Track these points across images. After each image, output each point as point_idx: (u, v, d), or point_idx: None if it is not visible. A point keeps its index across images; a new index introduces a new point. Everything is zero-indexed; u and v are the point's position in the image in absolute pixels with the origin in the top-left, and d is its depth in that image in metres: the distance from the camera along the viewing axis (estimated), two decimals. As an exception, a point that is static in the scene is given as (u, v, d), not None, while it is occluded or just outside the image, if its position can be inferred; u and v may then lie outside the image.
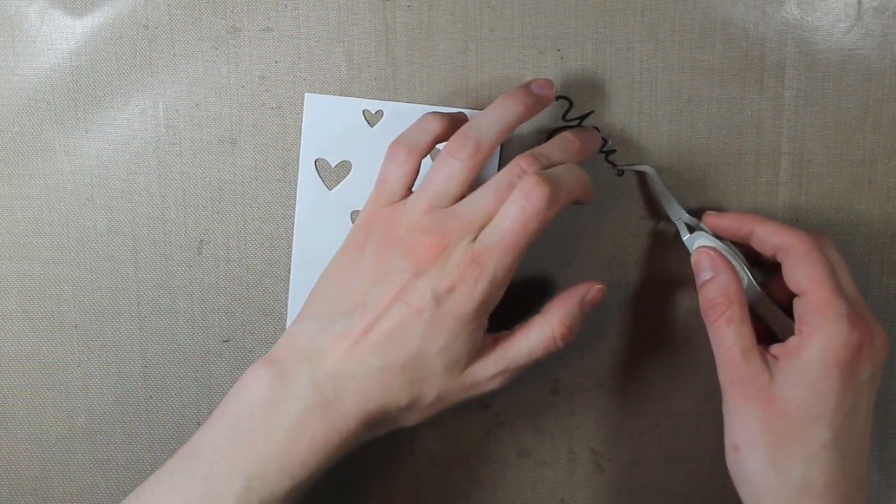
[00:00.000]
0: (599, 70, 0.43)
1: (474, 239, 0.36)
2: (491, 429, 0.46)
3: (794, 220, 0.44)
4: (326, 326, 0.36)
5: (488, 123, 0.38)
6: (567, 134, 0.40)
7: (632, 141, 0.44)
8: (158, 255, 0.45)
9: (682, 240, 0.42)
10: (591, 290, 0.38)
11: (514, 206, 0.36)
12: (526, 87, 0.39)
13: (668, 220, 0.44)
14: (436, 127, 0.39)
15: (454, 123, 0.39)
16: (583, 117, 0.43)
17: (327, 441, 0.35)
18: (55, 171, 0.45)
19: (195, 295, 0.45)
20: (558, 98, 0.43)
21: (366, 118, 0.44)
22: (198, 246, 0.45)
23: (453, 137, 0.38)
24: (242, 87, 0.44)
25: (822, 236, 0.39)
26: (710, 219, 0.41)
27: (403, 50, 0.43)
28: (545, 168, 0.37)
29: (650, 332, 0.45)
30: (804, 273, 0.37)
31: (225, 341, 0.46)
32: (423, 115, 0.40)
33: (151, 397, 0.46)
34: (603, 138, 0.43)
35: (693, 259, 0.41)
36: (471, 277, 0.35)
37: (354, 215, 0.45)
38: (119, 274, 0.45)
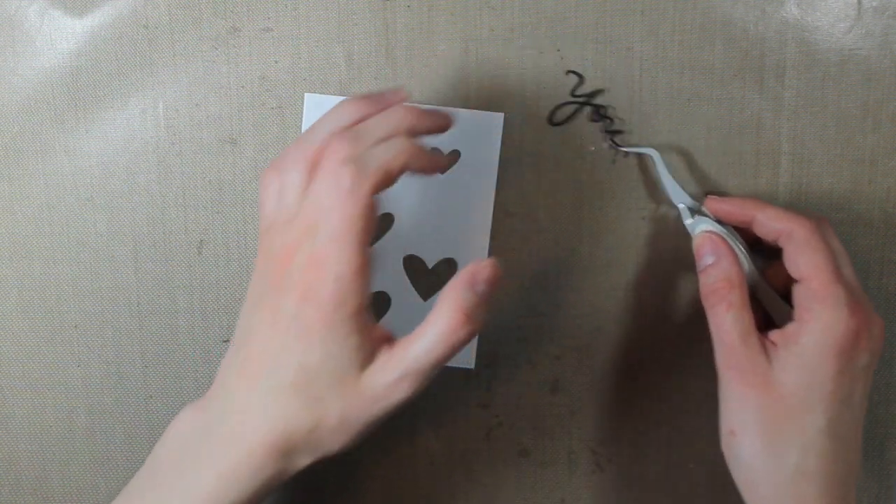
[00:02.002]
0: (599, 70, 0.43)
1: (312, 242, 0.35)
2: (491, 429, 0.46)
3: (794, 220, 0.44)
4: (232, 359, 0.37)
5: (321, 130, 0.37)
6: (397, 108, 0.37)
7: (632, 141, 0.44)
8: (158, 255, 0.45)
9: (683, 224, 0.42)
10: (480, 269, 0.35)
11: (324, 199, 0.34)
12: (373, 93, 0.38)
13: (669, 220, 0.44)
14: (294, 144, 0.38)
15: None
16: (591, 94, 0.43)
17: (236, 476, 0.35)
18: (55, 171, 0.45)
19: (195, 295, 0.45)
20: (568, 73, 0.43)
21: (366, 118, 0.44)
22: (198, 246, 0.45)
23: (292, 153, 0.37)
24: (242, 87, 0.44)
25: (824, 222, 0.39)
26: (712, 203, 0.41)
27: (403, 50, 0.43)
28: (364, 144, 0.35)
29: (650, 331, 0.45)
30: (805, 259, 0.37)
31: (225, 341, 0.46)
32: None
33: (151, 397, 0.46)
34: (608, 117, 0.43)
35: (695, 243, 0.41)
36: (314, 280, 0.34)
37: (354, 215, 0.45)
38: (119, 274, 0.45)
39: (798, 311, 0.37)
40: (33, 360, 0.46)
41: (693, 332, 0.45)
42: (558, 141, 0.44)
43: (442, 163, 0.38)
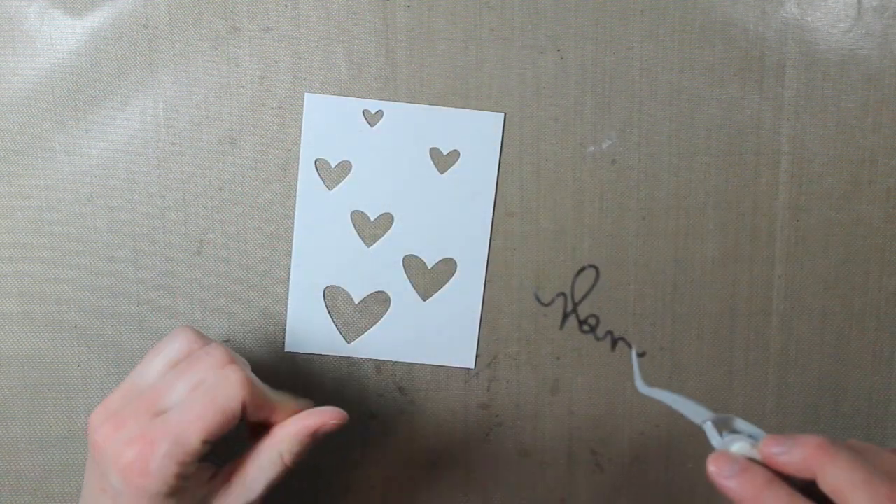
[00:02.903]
0: (599, 70, 0.43)
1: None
2: (491, 429, 0.46)
3: (794, 219, 0.44)
4: None
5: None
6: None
7: (632, 141, 0.44)
8: (158, 255, 0.45)
9: (710, 444, 0.35)
10: (327, 422, 0.37)
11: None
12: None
13: (669, 220, 0.44)
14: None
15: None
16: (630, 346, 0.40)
17: None
18: (55, 171, 0.45)
19: (195, 295, 0.45)
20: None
21: (366, 118, 0.44)
22: (198, 246, 0.45)
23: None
24: (242, 87, 0.44)
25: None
26: (768, 448, 0.33)
27: (403, 50, 0.43)
28: None
29: (649, 332, 0.45)
30: None
31: (225, 341, 0.45)
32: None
33: (151, 397, 0.46)
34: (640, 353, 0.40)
35: (708, 473, 0.33)
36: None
37: (354, 215, 0.45)
38: (119, 274, 0.45)
39: None
40: (33, 360, 0.46)
41: (693, 331, 0.45)
42: (558, 141, 0.44)
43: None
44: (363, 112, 0.44)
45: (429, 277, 0.45)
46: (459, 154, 0.44)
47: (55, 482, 0.47)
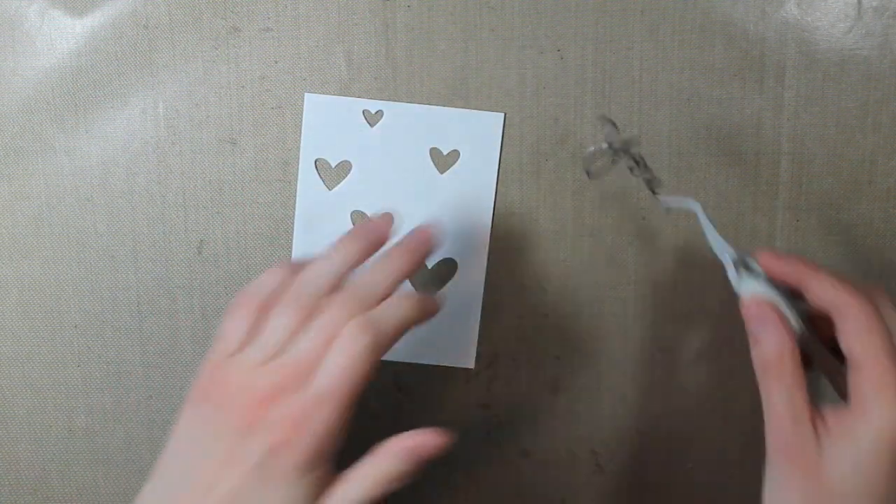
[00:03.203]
0: (599, 70, 0.43)
1: (303, 391, 0.35)
2: (491, 429, 0.46)
3: (794, 220, 0.44)
4: (170, 497, 0.35)
5: (320, 276, 0.37)
6: (394, 254, 0.38)
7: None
8: (158, 255, 0.45)
9: (728, 278, 0.38)
10: (426, 443, 0.36)
11: (337, 356, 0.35)
12: (363, 228, 0.38)
13: (668, 220, 0.44)
14: (275, 281, 0.38)
15: (294, 270, 0.38)
16: (627, 143, 0.40)
17: None
18: (55, 171, 0.45)
19: (195, 295, 0.45)
20: (601, 119, 0.41)
21: (366, 118, 0.44)
22: (198, 246, 0.45)
23: (285, 294, 0.37)
24: (242, 87, 0.44)
25: (879, 293, 0.37)
26: (766, 259, 0.38)
27: (403, 50, 0.43)
28: (371, 301, 0.36)
29: (650, 331, 0.45)
30: (860, 341, 0.35)
31: (225, 341, 0.46)
32: (268, 271, 0.38)
33: (151, 397, 0.46)
34: (649, 167, 0.40)
35: (743, 309, 0.38)
36: (300, 431, 0.34)
37: (354, 215, 0.45)
38: (119, 274, 0.45)
39: (854, 394, 0.35)
40: (33, 360, 0.46)
41: (693, 330, 0.45)
42: (558, 141, 0.44)
43: (436, 309, 0.38)
44: (363, 112, 0.44)
45: (429, 277, 0.45)
46: (459, 154, 0.44)
47: (55, 482, 0.47)
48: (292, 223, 0.45)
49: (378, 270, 0.37)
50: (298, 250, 0.45)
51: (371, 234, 0.38)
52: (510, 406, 0.46)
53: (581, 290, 0.45)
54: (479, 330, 0.45)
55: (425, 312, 0.37)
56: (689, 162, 0.44)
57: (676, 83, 0.43)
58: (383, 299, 0.36)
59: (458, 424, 0.46)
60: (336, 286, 0.37)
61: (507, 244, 0.45)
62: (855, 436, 0.34)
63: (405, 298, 0.37)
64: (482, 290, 0.45)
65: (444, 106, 0.44)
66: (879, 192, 0.44)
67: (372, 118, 0.44)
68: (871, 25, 0.43)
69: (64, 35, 0.44)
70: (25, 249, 0.45)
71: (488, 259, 0.45)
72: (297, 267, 0.38)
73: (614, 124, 0.40)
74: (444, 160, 0.44)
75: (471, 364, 0.45)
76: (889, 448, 0.34)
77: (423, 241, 0.39)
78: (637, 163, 0.40)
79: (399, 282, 0.37)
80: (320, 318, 0.36)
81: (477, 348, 0.45)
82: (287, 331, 0.36)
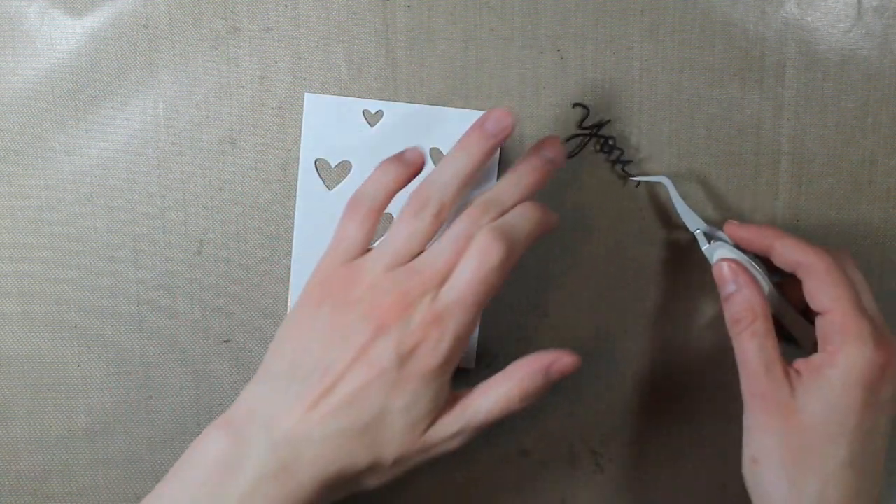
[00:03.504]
0: (599, 70, 0.43)
1: (436, 296, 0.35)
2: (491, 429, 0.46)
3: (794, 219, 0.44)
4: (284, 389, 0.36)
5: (447, 179, 0.37)
6: (521, 168, 0.38)
7: (632, 141, 0.44)
8: (158, 255, 0.45)
9: (700, 249, 0.41)
10: (560, 360, 0.37)
11: (471, 263, 0.35)
12: (481, 127, 0.38)
13: (668, 220, 0.44)
14: (391, 180, 0.38)
15: (411, 170, 0.39)
16: (598, 125, 0.43)
17: None
18: (55, 171, 0.45)
19: (195, 295, 0.45)
20: (574, 106, 0.43)
21: (366, 118, 0.44)
22: (198, 246, 0.45)
23: (413, 196, 0.37)
24: (242, 87, 0.44)
25: (843, 254, 0.39)
26: (731, 228, 0.41)
27: (403, 50, 0.43)
28: (501, 212, 0.37)
29: (650, 330, 0.45)
30: (826, 293, 0.37)
31: (225, 341, 0.46)
32: (380, 165, 0.39)
33: (151, 397, 0.46)
34: (618, 147, 0.43)
35: (715, 271, 0.40)
36: (433, 335, 0.35)
37: (354, 215, 0.45)
38: (119, 274, 0.45)
39: (822, 343, 0.37)
40: (33, 360, 0.46)
41: (693, 330, 0.45)
42: (558, 141, 0.44)
43: (557, 221, 0.39)
44: (363, 112, 0.44)
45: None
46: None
47: (55, 482, 0.47)
48: (292, 223, 0.45)
49: (509, 183, 0.38)
50: (298, 250, 0.45)
51: (493, 135, 0.38)
52: (510, 406, 0.46)
53: (581, 290, 0.45)
54: (479, 330, 0.45)
55: (550, 222, 0.38)
56: (689, 162, 0.44)
57: (676, 83, 0.43)
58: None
59: (458, 424, 0.46)
60: (462, 191, 0.37)
61: (507, 244, 0.45)
62: (825, 377, 0.36)
63: (532, 207, 0.37)
64: (482, 290, 0.45)
65: (444, 106, 0.44)
66: (879, 192, 0.44)
67: (372, 118, 0.44)
68: (871, 25, 0.43)
69: (64, 35, 0.44)
70: (25, 249, 0.45)
71: (488, 259, 0.45)
72: (413, 162, 0.39)
73: (586, 107, 0.43)
74: (444, 160, 0.44)
75: (471, 364, 0.45)
76: (857, 385, 0.36)
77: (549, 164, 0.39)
78: (606, 141, 0.43)
79: (529, 195, 0.38)
80: (454, 227, 0.36)
81: (477, 348, 0.45)
82: (419, 236, 0.36)
